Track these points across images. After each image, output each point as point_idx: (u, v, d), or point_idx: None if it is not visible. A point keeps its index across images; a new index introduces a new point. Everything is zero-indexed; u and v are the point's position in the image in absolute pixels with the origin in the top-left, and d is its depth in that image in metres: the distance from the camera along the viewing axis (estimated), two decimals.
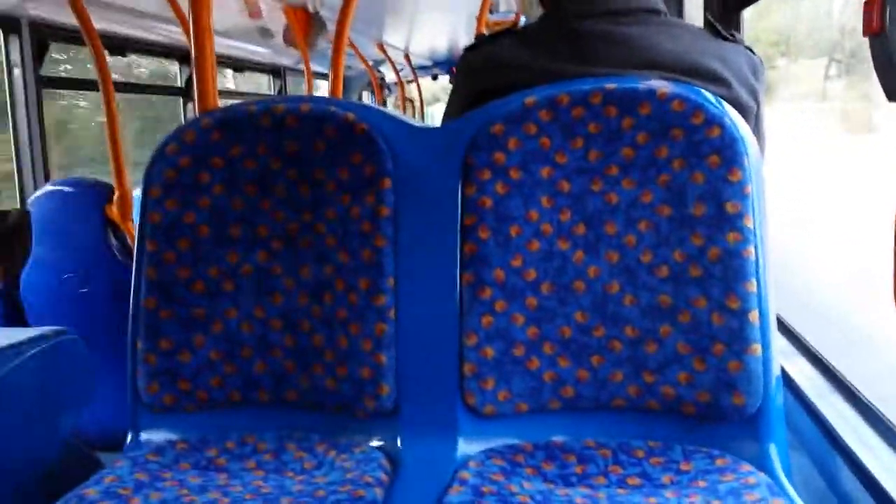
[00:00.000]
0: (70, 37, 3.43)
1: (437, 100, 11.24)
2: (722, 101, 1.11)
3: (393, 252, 1.18)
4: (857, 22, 0.72)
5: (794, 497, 0.97)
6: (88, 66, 3.45)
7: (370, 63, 7.57)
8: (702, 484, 1.00)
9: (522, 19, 5.29)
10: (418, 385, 1.17)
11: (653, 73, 1.14)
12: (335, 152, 1.20)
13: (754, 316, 1.06)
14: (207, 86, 1.54)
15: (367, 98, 9.14)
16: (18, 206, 3.25)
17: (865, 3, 0.70)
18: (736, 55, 1.19)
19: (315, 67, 5.13)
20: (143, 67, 4.93)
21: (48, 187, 2.59)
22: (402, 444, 1.16)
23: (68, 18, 2.76)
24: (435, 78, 9.84)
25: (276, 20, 4.76)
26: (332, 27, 3.71)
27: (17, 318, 2.59)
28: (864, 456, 1.07)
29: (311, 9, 4.58)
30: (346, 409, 1.19)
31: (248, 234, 1.23)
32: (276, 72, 6.57)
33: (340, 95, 2.62)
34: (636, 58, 1.16)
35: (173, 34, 4.04)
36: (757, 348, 1.06)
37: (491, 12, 5.09)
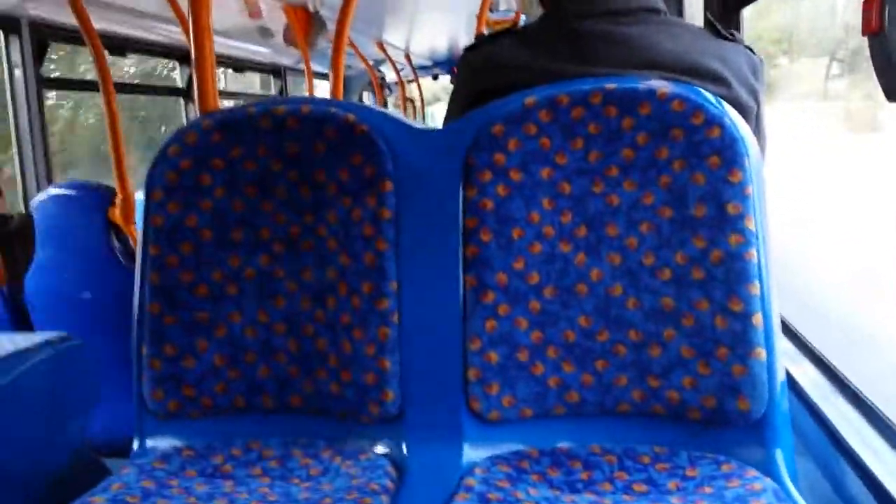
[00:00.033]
0: (70, 37, 3.44)
1: (437, 99, 11.23)
2: (722, 101, 1.10)
3: (395, 255, 1.18)
4: (860, 19, 0.72)
5: (800, 503, 0.97)
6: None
7: (370, 63, 7.56)
8: (708, 490, 0.99)
9: (522, 18, 5.29)
10: (423, 390, 1.17)
11: (653, 73, 1.14)
12: (336, 154, 1.20)
13: (758, 319, 1.06)
14: (207, 86, 1.54)
15: (367, 98, 9.13)
16: (21, 209, 3.26)
17: (864, 2, 0.70)
18: (736, 55, 1.19)
19: (315, 67, 5.13)
20: (128, 67, 4.88)
21: (51, 191, 2.59)
22: (407, 451, 1.16)
23: (68, 18, 2.76)
24: (436, 78, 9.83)
25: (277, 20, 4.75)
26: (332, 26, 3.71)
27: (20, 322, 2.59)
28: (869, 461, 1.07)
29: (311, 8, 4.57)
30: (351, 415, 1.19)
31: (249, 237, 1.23)
32: (276, 72, 6.57)
33: (341, 95, 2.62)
34: (636, 57, 1.16)
35: (173, 34, 4.04)
36: (761, 352, 1.06)
37: (491, 11, 5.09)
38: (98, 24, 2.75)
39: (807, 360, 1.47)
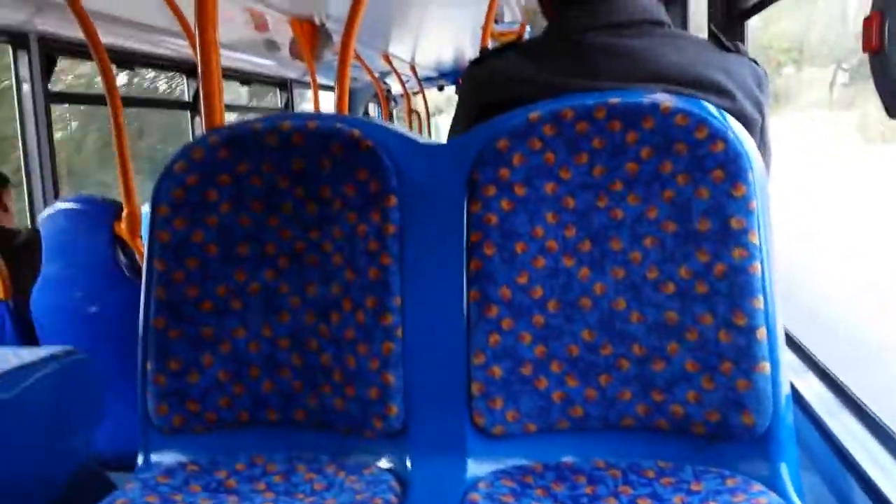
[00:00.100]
0: (78, 51, 3.46)
1: (440, 111, 11.25)
2: (726, 114, 1.10)
3: (399, 270, 1.18)
4: None
5: None
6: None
7: (376, 75, 7.59)
8: None
9: (528, 30, 5.30)
10: (426, 405, 1.17)
11: (657, 86, 1.14)
12: (341, 169, 1.20)
13: (762, 333, 1.06)
14: (214, 99, 1.55)
15: (373, 110, 9.16)
16: (29, 223, 3.27)
17: (865, 20, 0.70)
18: (740, 67, 1.19)
19: (321, 79, 5.15)
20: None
21: (58, 205, 2.60)
22: (411, 465, 1.16)
23: (75, 33, 2.78)
24: (441, 89, 9.85)
25: (283, 33, 4.78)
26: (338, 39, 3.72)
27: (26, 336, 2.60)
28: (875, 475, 1.06)
29: (317, 21, 4.60)
30: (355, 430, 1.19)
31: (255, 253, 1.23)
32: (282, 84, 6.60)
33: (346, 107, 2.63)
34: (640, 70, 1.16)
35: (180, 48, 4.06)
36: (765, 366, 1.06)
37: (496, 22, 5.10)
38: (105, 38, 2.76)
39: (811, 373, 1.46)
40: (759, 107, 1.20)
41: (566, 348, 1.13)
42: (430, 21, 5.72)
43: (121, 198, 2.67)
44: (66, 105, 2.75)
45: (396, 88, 9.14)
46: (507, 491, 1.05)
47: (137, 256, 2.52)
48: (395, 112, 9.55)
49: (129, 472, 1.20)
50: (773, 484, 1.04)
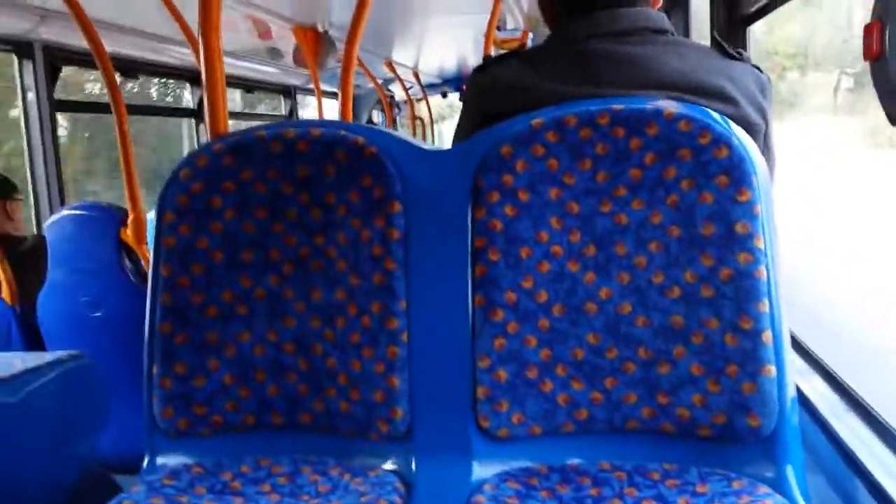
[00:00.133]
0: (82, 60, 3.48)
1: (442, 118, 11.25)
2: (729, 120, 1.10)
3: (404, 275, 1.18)
4: None
5: None
6: None
7: (380, 81, 7.60)
8: None
9: (530, 36, 5.31)
10: (432, 408, 1.17)
11: (660, 93, 1.14)
12: (345, 176, 1.21)
13: (767, 336, 1.06)
14: (218, 107, 1.55)
15: (376, 116, 9.18)
16: (34, 230, 3.28)
17: (865, 28, 0.71)
18: (743, 73, 1.19)
19: (325, 87, 5.16)
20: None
21: (64, 211, 2.61)
22: (416, 468, 1.16)
23: (80, 42, 2.80)
24: (444, 95, 9.87)
25: (286, 41, 4.79)
26: (341, 47, 3.74)
27: (33, 342, 2.61)
28: (881, 476, 1.07)
29: (320, 29, 4.61)
30: (360, 433, 1.20)
31: (260, 259, 1.24)
32: (286, 92, 6.61)
33: (350, 115, 2.64)
34: (643, 77, 1.16)
35: (184, 56, 4.08)
36: (771, 369, 1.06)
37: (499, 29, 5.11)
38: (109, 46, 2.78)
39: (817, 375, 1.46)
40: (763, 113, 1.20)
41: (571, 352, 1.13)
42: (433, 28, 5.73)
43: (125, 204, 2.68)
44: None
45: (400, 95, 9.16)
46: (511, 493, 1.05)
47: (143, 262, 2.53)
48: (398, 118, 9.57)
49: (135, 475, 1.21)
50: (779, 486, 1.04)
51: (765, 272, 1.07)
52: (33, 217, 3.37)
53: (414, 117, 9.37)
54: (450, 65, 8.25)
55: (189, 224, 1.23)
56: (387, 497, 1.06)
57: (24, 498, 1.30)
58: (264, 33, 4.68)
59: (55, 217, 2.59)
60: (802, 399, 1.30)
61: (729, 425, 1.07)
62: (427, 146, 1.27)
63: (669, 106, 1.10)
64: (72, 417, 1.44)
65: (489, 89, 1.25)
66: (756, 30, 2.06)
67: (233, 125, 1.43)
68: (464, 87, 1.40)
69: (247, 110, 6.32)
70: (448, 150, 1.25)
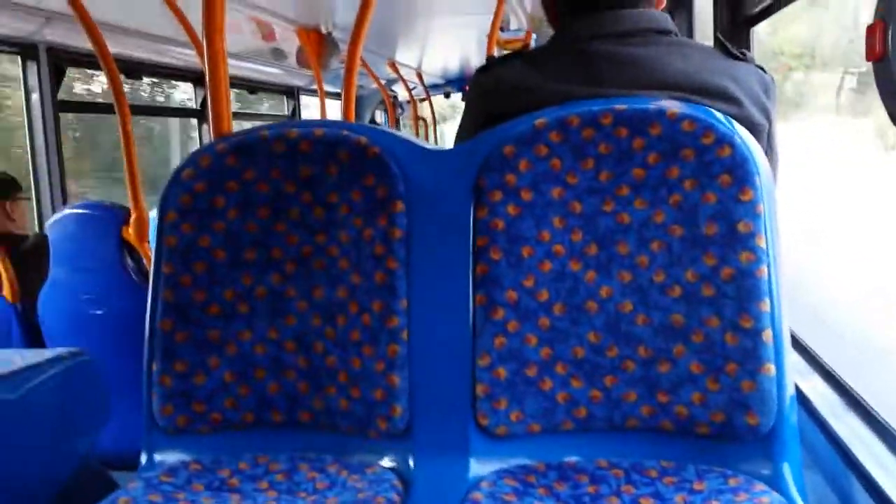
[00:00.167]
0: (86, 61, 3.49)
1: (444, 119, 11.24)
2: (732, 120, 1.10)
3: (405, 274, 1.19)
4: None
5: None
6: None
7: (382, 82, 7.61)
8: None
9: (533, 37, 5.31)
10: (431, 406, 1.17)
11: (663, 93, 1.14)
12: (348, 176, 1.21)
13: (768, 335, 1.06)
14: (221, 108, 1.56)
15: (379, 117, 9.18)
16: (37, 228, 3.29)
17: (868, 28, 0.71)
18: (747, 74, 1.19)
19: (328, 87, 5.17)
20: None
21: (66, 210, 2.62)
22: (414, 465, 1.16)
23: (84, 43, 2.80)
24: (447, 96, 9.87)
25: (289, 42, 4.80)
26: (344, 48, 3.74)
27: (34, 340, 2.61)
28: (878, 475, 1.06)
29: (323, 30, 4.62)
30: (359, 430, 1.20)
31: (262, 257, 1.24)
32: (289, 93, 6.62)
33: (353, 115, 2.64)
34: (646, 78, 1.16)
35: (187, 56, 4.09)
36: (770, 368, 1.06)
37: (502, 30, 5.11)
38: (113, 48, 2.79)
39: (817, 374, 1.46)
40: (766, 113, 1.20)
41: (571, 350, 1.13)
42: (437, 29, 5.73)
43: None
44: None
45: (403, 95, 9.16)
46: (509, 490, 1.05)
47: (145, 261, 2.54)
48: (401, 119, 9.57)
49: (133, 473, 1.21)
50: (776, 484, 1.04)
51: (766, 271, 1.07)
52: (35, 216, 3.38)
53: (417, 118, 9.37)
54: (453, 65, 8.25)
55: (191, 223, 1.23)
56: (384, 494, 1.06)
57: (23, 494, 1.30)
58: (268, 35, 4.69)
59: (57, 216, 2.60)
60: (801, 398, 1.30)
61: (728, 423, 1.07)
62: (430, 146, 1.27)
63: (673, 106, 1.10)
64: (71, 414, 1.44)
65: (492, 90, 1.25)
66: (760, 31, 2.05)
67: (235, 126, 1.44)
68: (466, 87, 1.40)
69: (243, 110, 6.32)
70: (451, 150, 1.25)
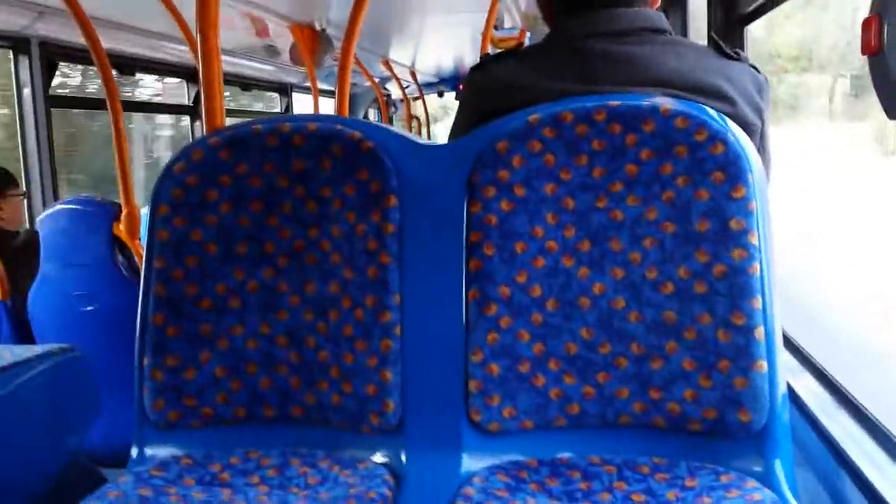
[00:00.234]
0: (78, 56, 3.47)
1: (435, 120, 11.22)
2: (725, 117, 1.11)
3: (398, 269, 1.18)
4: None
5: None
6: None
7: (376, 80, 7.60)
8: (707, 500, 0.99)
9: (527, 36, 5.31)
10: (423, 401, 1.17)
11: (657, 91, 1.15)
12: (342, 170, 1.21)
13: (760, 333, 1.06)
14: (215, 104, 1.55)
15: (372, 115, 9.17)
16: (27, 224, 3.28)
17: (863, 23, 0.71)
18: (741, 73, 1.19)
19: (321, 85, 5.16)
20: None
21: (57, 206, 2.61)
22: (406, 460, 1.16)
23: (77, 38, 2.79)
24: (441, 94, 9.87)
25: (283, 38, 4.79)
26: (338, 45, 3.73)
27: (24, 337, 2.60)
28: (870, 473, 1.07)
29: (317, 27, 4.60)
30: (351, 425, 1.19)
31: (254, 251, 1.23)
32: (282, 89, 6.61)
33: (347, 113, 2.64)
34: (640, 76, 1.16)
35: (180, 52, 4.07)
36: (763, 365, 1.06)
37: (496, 29, 5.11)
38: (107, 43, 2.77)
39: (809, 373, 1.47)
40: (759, 112, 1.20)
41: (564, 346, 1.13)
42: (431, 27, 5.73)
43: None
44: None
45: (396, 94, 9.16)
46: (501, 485, 1.05)
47: (136, 257, 2.53)
48: (394, 117, 9.57)
49: (122, 469, 1.20)
50: (768, 480, 1.04)
51: (759, 268, 1.07)
52: (26, 212, 3.36)
53: (410, 116, 9.37)
54: (447, 64, 8.25)
55: (183, 217, 1.22)
56: (376, 489, 1.06)
57: (12, 490, 1.29)
58: (261, 31, 4.68)
59: (48, 211, 2.59)
60: (793, 396, 1.31)
61: (720, 420, 1.07)
62: (424, 141, 1.27)
63: (666, 103, 1.10)
64: (61, 410, 1.43)
65: (486, 87, 1.25)
66: (755, 32, 2.06)
67: (228, 123, 1.43)
68: (460, 86, 1.39)
69: (236, 108, 6.31)
70: (444, 146, 1.25)
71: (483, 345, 1.13)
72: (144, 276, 1.24)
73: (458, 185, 1.17)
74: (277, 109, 6.80)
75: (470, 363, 1.14)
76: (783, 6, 1.70)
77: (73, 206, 2.57)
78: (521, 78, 1.20)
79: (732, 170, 1.07)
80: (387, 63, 7.03)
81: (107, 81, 2.69)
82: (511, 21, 5.37)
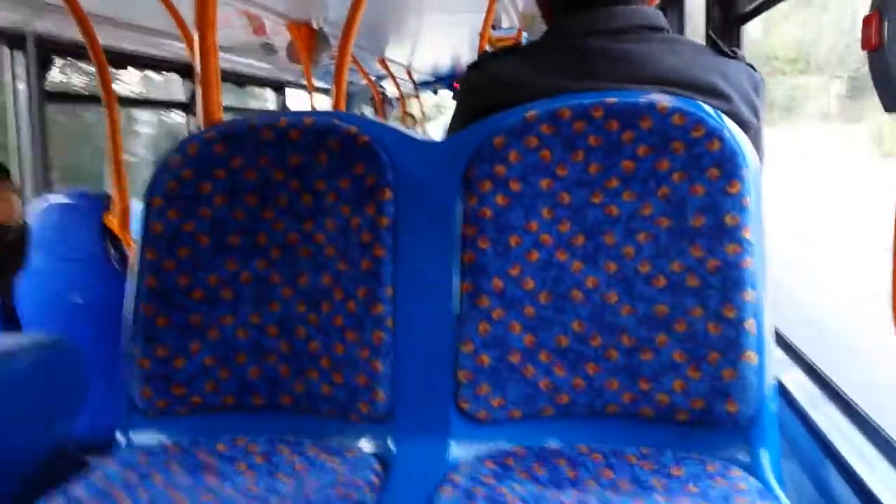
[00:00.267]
0: (74, 51, 3.47)
1: (428, 119, 11.24)
2: (722, 114, 1.11)
3: (392, 261, 1.18)
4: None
5: (783, 501, 0.97)
6: None
7: (372, 78, 7.60)
8: (693, 489, 0.99)
9: (525, 36, 5.32)
10: (413, 391, 1.17)
11: (654, 88, 1.15)
12: (337, 164, 1.21)
13: (750, 325, 1.06)
14: (212, 101, 1.55)
15: (368, 113, 9.18)
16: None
17: (864, 19, 0.71)
18: (737, 71, 1.19)
19: (317, 83, 5.16)
20: None
21: (48, 197, 2.60)
22: (394, 449, 1.16)
23: (73, 34, 2.79)
24: (436, 92, 9.89)
25: (280, 36, 4.79)
26: (335, 43, 3.73)
27: (12, 328, 2.59)
28: (855, 464, 1.08)
29: (314, 26, 4.61)
30: (340, 414, 1.19)
31: (247, 243, 1.23)
32: (277, 87, 6.61)
33: (343, 110, 2.64)
34: (638, 74, 1.16)
35: (176, 49, 4.07)
36: (752, 357, 1.06)
37: (494, 28, 5.12)
38: (103, 40, 2.77)
39: (798, 368, 1.48)
40: (755, 111, 1.21)
41: (555, 339, 1.13)
42: (428, 26, 5.74)
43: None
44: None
45: (392, 92, 9.16)
46: (488, 473, 1.05)
47: (127, 250, 2.53)
48: (389, 116, 9.58)
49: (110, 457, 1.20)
50: (754, 470, 1.05)
51: (751, 263, 1.07)
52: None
53: (405, 114, 9.38)
54: (444, 63, 8.26)
55: (177, 209, 1.22)
56: (364, 477, 1.06)
57: None
58: (258, 29, 4.68)
59: (39, 203, 2.58)
60: (783, 391, 1.31)
61: (708, 411, 1.08)
62: (420, 137, 1.27)
63: (663, 100, 1.10)
64: (48, 399, 1.42)
65: (484, 84, 1.25)
66: (753, 32, 2.06)
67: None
68: (456, 84, 1.40)
69: (230, 105, 6.29)
70: (441, 141, 1.25)
71: (474, 336, 1.13)
72: (136, 268, 1.23)
73: (453, 179, 1.17)
74: (272, 107, 6.80)
75: (461, 354, 1.14)
76: (781, 6, 1.70)
77: (64, 199, 2.56)
78: (519, 75, 1.20)
79: (728, 166, 1.08)
80: (383, 61, 7.03)
81: (102, 77, 2.69)
82: (508, 21, 5.39)
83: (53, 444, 1.45)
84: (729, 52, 1.21)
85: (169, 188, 1.22)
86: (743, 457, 1.07)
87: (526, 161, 1.13)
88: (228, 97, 6.44)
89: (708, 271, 1.08)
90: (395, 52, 6.92)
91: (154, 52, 4.26)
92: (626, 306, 1.11)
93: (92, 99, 3.50)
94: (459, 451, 1.13)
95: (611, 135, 1.11)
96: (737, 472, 1.02)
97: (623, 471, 1.05)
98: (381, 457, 1.15)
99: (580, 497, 1.00)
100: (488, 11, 3.70)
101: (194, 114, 4.78)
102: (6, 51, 3.30)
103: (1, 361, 1.30)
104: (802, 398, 1.32)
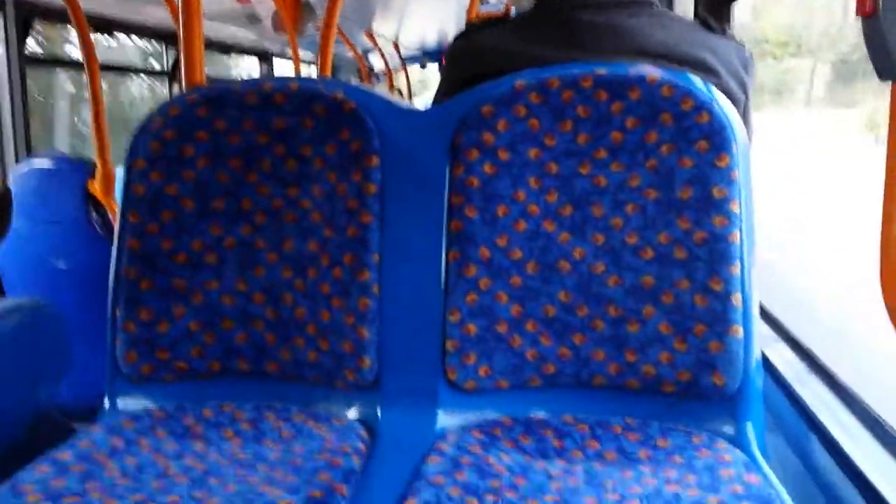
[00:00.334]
0: (55, 14, 3.40)
1: (413, 94, 11.22)
2: (711, 87, 1.11)
3: (379, 228, 1.18)
4: None
5: (768, 473, 0.99)
6: None
7: (359, 51, 7.54)
8: (678, 459, 1.01)
9: (512, 10, 5.28)
10: (400, 359, 1.17)
11: (643, 61, 1.15)
12: (323, 129, 1.20)
13: (737, 298, 1.07)
14: (195, 68, 1.53)
15: None
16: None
17: None
18: (727, 48, 1.20)
19: (302, 54, 5.11)
20: None
21: (31, 161, 2.57)
22: (381, 416, 1.16)
23: None
24: (423, 65, 9.83)
25: (265, 4, 4.72)
26: (321, 13, 3.69)
27: None
28: (839, 435, 1.09)
29: None
30: (327, 381, 1.19)
31: (232, 208, 1.22)
32: (263, 56, 6.54)
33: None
34: (627, 46, 1.16)
35: (160, 15, 4.00)
36: (738, 330, 1.07)
37: (481, 3, 5.08)
38: (85, 4, 2.72)
39: (783, 343, 1.49)
40: (744, 87, 1.21)
41: (542, 308, 1.13)
42: (415, 0, 5.68)
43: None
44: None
45: (379, 65, 9.10)
46: (475, 442, 1.05)
47: (110, 215, 2.51)
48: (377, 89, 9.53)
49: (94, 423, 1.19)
50: (739, 442, 1.06)
51: (738, 236, 1.08)
52: None
53: (392, 87, 9.32)
54: (431, 38, 8.20)
55: (159, 171, 1.21)
56: (350, 443, 1.06)
57: None
58: None
59: (21, 168, 2.55)
60: (767, 364, 1.32)
61: (694, 383, 1.09)
62: (406, 105, 1.26)
63: (652, 71, 1.10)
64: (31, 363, 1.41)
65: (471, 52, 1.24)
66: (742, 16, 2.05)
67: None
68: (443, 58, 1.38)
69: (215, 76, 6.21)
70: (428, 109, 1.25)
71: (461, 305, 1.13)
72: (118, 230, 1.22)
73: (440, 147, 1.16)
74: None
75: (448, 323, 1.14)
76: None
77: (47, 164, 2.53)
78: (508, 44, 1.20)
79: (717, 139, 1.08)
80: (370, 35, 6.97)
81: (84, 42, 2.64)
82: None
83: (37, 410, 1.44)
84: (718, 29, 1.21)
85: (151, 149, 1.21)
86: (728, 429, 1.08)
87: (514, 130, 1.13)
88: (222, 68, 6.39)
89: (695, 243, 1.08)
90: (383, 26, 6.86)
91: (138, 17, 4.19)
92: (613, 277, 1.12)
93: (74, 64, 3.45)
94: (446, 419, 1.14)
95: (600, 105, 1.11)
96: (722, 444, 1.03)
97: (609, 441, 1.06)
98: (368, 424, 1.15)
99: (566, 467, 1.02)
100: None
101: (178, 81, 4.72)
102: None
103: None
104: (787, 372, 1.33)
